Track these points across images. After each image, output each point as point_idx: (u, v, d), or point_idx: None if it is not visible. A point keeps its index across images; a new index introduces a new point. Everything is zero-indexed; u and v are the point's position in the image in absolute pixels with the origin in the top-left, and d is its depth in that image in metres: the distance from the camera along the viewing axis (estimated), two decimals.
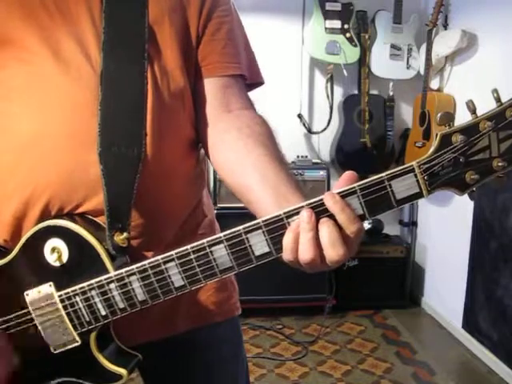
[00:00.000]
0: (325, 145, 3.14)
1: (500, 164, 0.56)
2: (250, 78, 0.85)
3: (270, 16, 2.98)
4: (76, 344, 0.69)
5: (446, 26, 2.79)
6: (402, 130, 3.12)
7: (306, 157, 2.99)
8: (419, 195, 0.57)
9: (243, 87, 0.83)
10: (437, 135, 0.57)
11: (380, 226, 3.15)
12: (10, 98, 0.69)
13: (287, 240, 0.59)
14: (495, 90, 0.55)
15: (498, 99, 0.56)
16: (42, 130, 0.68)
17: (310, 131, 3.08)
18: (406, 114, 3.14)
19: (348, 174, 0.59)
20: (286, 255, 0.59)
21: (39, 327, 0.69)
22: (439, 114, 0.57)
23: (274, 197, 0.67)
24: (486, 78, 2.43)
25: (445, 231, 2.90)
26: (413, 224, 3.19)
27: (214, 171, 2.86)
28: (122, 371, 0.70)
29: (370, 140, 2.96)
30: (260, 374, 2.37)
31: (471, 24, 2.57)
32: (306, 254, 0.57)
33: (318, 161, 3.06)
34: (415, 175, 0.57)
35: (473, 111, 0.56)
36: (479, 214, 2.50)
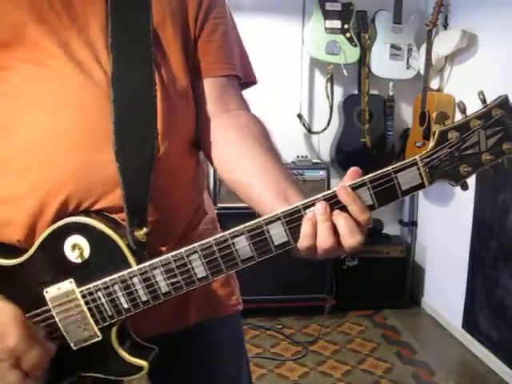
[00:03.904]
0: (325, 145, 3.13)
1: (488, 157, 0.62)
2: (244, 78, 0.88)
3: (270, 16, 2.98)
4: (97, 339, 0.70)
5: (446, 26, 2.79)
6: (401, 129, 3.13)
7: (306, 157, 2.99)
8: (421, 186, 0.63)
9: (238, 88, 0.87)
10: (435, 132, 0.63)
11: (380, 226, 3.16)
12: (20, 98, 0.70)
13: (305, 227, 0.63)
14: (481, 92, 0.62)
15: (483, 100, 0.62)
16: (56, 130, 0.69)
17: (309, 131, 3.08)
18: (406, 113, 3.14)
19: (354, 169, 0.64)
20: (305, 242, 0.63)
21: (59, 324, 0.69)
22: (435, 114, 0.63)
23: (275, 192, 0.71)
24: (485, 78, 2.43)
25: (445, 231, 2.90)
26: (413, 224, 3.19)
27: (214, 171, 2.85)
28: (143, 363, 0.72)
29: (370, 140, 2.96)
30: (260, 373, 2.37)
31: (471, 24, 2.57)
32: (325, 241, 0.62)
33: (318, 161, 3.06)
34: (418, 168, 0.62)
35: (463, 111, 0.63)
36: (479, 213, 2.50)
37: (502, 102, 0.62)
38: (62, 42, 0.70)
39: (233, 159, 0.79)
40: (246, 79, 0.89)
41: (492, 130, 0.62)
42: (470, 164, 0.62)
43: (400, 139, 3.12)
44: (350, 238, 0.62)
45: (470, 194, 2.52)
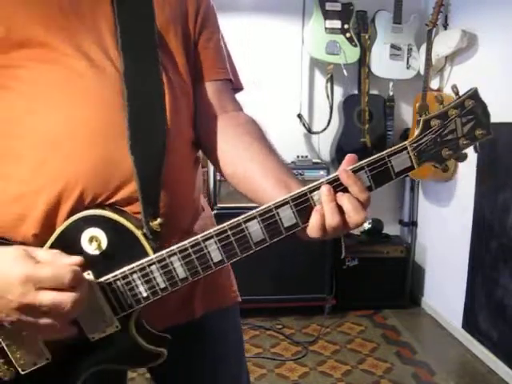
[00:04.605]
0: (325, 145, 3.14)
1: (465, 142, 0.70)
2: (234, 84, 0.94)
3: (269, 16, 2.98)
4: (115, 329, 0.71)
5: (446, 26, 2.79)
6: (401, 129, 3.12)
7: (306, 157, 2.99)
8: (411, 168, 0.70)
9: (232, 91, 0.93)
10: (419, 121, 0.71)
11: (380, 226, 3.16)
12: (34, 95, 0.71)
13: (315, 216, 0.68)
14: (454, 86, 0.69)
15: (456, 93, 0.70)
16: (72, 126, 0.71)
17: (309, 131, 3.08)
18: (406, 113, 3.14)
19: (350, 156, 0.71)
20: (315, 222, 0.69)
21: (78, 317, 0.70)
22: (417, 105, 0.68)
23: (276, 183, 0.76)
24: (485, 78, 2.43)
25: (445, 231, 2.90)
26: (413, 224, 3.19)
27: (214, 172, 2.86)
28: (162, 349, 0.75)
29: (370, 140, 2.96)
30: (260, 373, 2.37)
31: (471, 24, 2.57)
32: (332, 220, 0.68)
33: (318, 161, 3.06)
34: (408, 152, 0.70)
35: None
36: (479, 213, 2.50)
37: (473, 94, 0.70)
38: (73, 42, 0.72)
39: (233, 156, 0.83)
40: (235, 86, 0.94)
41: (466, 118, 0.70)
42: (450, 148, 0.70)
43: (400, 139, 3.11)
44: (355, 215, 0.68)
45: (470, 194, 2.52)
